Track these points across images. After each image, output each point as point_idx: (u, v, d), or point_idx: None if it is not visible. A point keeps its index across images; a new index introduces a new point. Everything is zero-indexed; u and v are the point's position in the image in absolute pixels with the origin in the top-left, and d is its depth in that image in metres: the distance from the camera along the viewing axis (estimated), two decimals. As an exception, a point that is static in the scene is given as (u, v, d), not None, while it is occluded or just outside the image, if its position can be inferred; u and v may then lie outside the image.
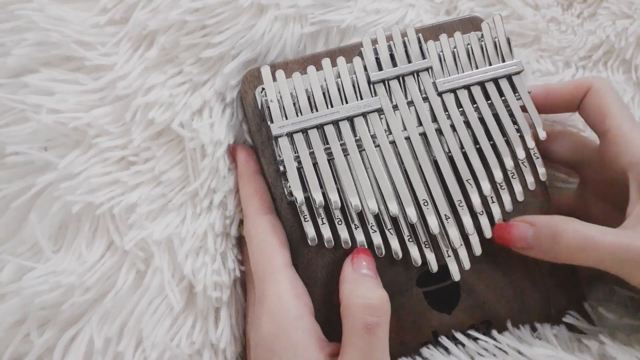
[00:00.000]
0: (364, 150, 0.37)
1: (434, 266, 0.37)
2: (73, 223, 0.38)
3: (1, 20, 0.40)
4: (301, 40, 0.43)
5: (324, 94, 0.38)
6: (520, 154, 0.38)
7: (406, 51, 0.39)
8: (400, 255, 0.37)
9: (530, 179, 0.39)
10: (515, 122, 0.39)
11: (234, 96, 0.41)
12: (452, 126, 0.38)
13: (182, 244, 0.39)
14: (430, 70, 0.39)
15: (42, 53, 0.39)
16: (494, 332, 0.38)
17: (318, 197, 0.36)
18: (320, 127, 0.37)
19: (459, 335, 0.38)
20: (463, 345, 0.37)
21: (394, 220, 0.37)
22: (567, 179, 0.46)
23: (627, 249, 0.33)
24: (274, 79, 0.38)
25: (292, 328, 0.32)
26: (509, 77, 0.40)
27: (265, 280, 0.34)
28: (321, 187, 0.36)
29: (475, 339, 0.37)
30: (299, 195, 0.36)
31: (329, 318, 0.36)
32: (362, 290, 0.33)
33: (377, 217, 0.37)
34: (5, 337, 0.37)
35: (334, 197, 0.36)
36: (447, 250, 0.37)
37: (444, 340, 0.37)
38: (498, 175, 0.38)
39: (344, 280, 0.34)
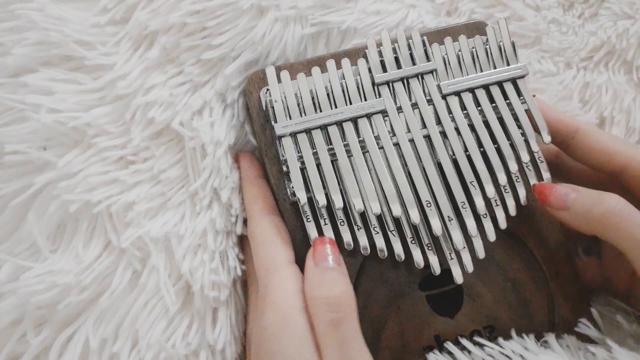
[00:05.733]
0: (368, 151, 0.37)
1: (436, 269, 0.37)
2: (71, 222, 0.38)
3: (1, 19, 0.40)
4: (302, 41, 0.43)
5: (328, 94, 0.38)
6: (525, 157, 0.38)
7: (411, 54, 0.39)
8: (403, 257, 0.37)
9: (534, 183, 0.39)
10: (519, 126, 0.39)
11: (234, 97, 0.41)
12: (457, 129, 0.38)
13: (180, 241, 0.38)
14: (434, 73, 0.39)
15: (41, 53, 0.39)
16: (500, 339, 0.37)
17: (321, 198, 0.36)
18: (323, 128, 0.37)
19: (464, 341, 0.37)
20: (468, 351, 0.37)
21: (397, 222, 0.37)
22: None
23: None
24: (279, 80, 0.38)
25: (300, 318, 0.32)
26: (513, 81, 0.39)
27: (269, 276, 0.34)
28: (324, 187, 0.36)
29: (481, 345, 0.37)
30: (302, 196, 0.36)
31: None
32: (323, 290, 0.32)
33: (380, 219, 0.37)
34: (1, 337, 0.36)
35: (336, 198, 0.36)
36: (450, 253, 0.37)
37: (449, 346, 0.37)
38: (502, 178, 0.38)
39: (306, 278, 0.33)
